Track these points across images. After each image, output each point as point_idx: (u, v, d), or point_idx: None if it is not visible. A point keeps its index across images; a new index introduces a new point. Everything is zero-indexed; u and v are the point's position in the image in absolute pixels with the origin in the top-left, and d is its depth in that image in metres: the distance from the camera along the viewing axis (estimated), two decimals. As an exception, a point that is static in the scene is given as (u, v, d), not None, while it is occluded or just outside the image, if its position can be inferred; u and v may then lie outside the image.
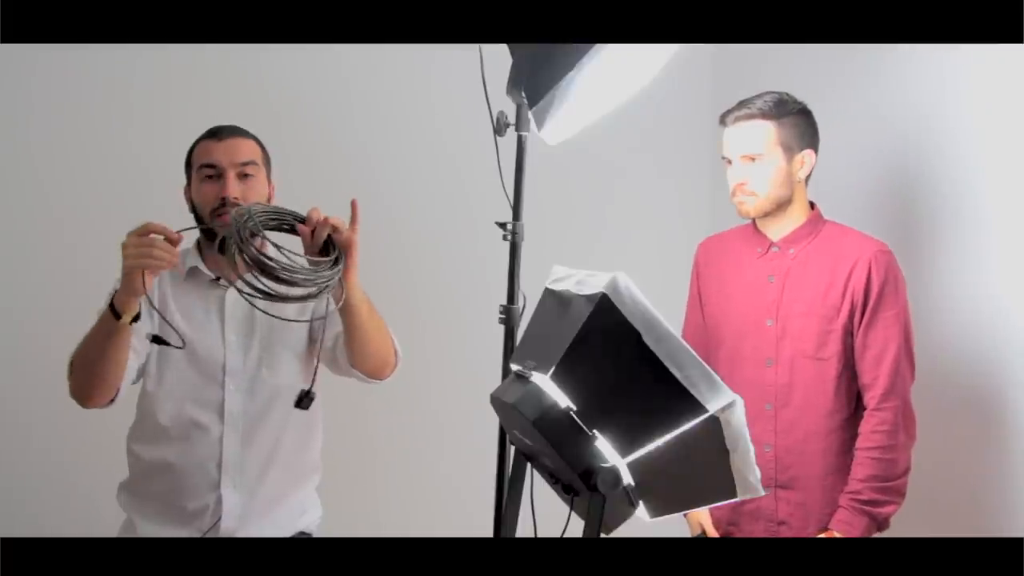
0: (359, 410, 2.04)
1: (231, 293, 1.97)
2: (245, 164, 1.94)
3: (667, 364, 1.39)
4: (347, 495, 2.36)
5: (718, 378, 1.39)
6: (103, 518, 2.06)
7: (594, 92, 1.89)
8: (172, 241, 1.72)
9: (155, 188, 2.46)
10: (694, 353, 1.41)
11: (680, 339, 1.41)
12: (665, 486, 1.48)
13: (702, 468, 1.45)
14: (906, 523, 2.11)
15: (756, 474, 1.43)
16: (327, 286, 1.71)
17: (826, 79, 2.69)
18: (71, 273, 2.53)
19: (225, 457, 1.93)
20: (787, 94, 2.17)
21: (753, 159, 2.13)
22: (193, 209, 1.99)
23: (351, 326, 1.86)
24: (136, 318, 1.77)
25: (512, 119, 1.88)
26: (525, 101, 1.85)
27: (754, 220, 2.24)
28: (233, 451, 1.93)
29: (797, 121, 2.15)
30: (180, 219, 2.02)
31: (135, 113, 2.63)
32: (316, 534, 2.07)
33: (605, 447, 1.42)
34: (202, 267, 1.98)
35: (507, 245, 1.90)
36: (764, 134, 2.13)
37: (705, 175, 3.28)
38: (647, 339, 1.40)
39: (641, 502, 1.47)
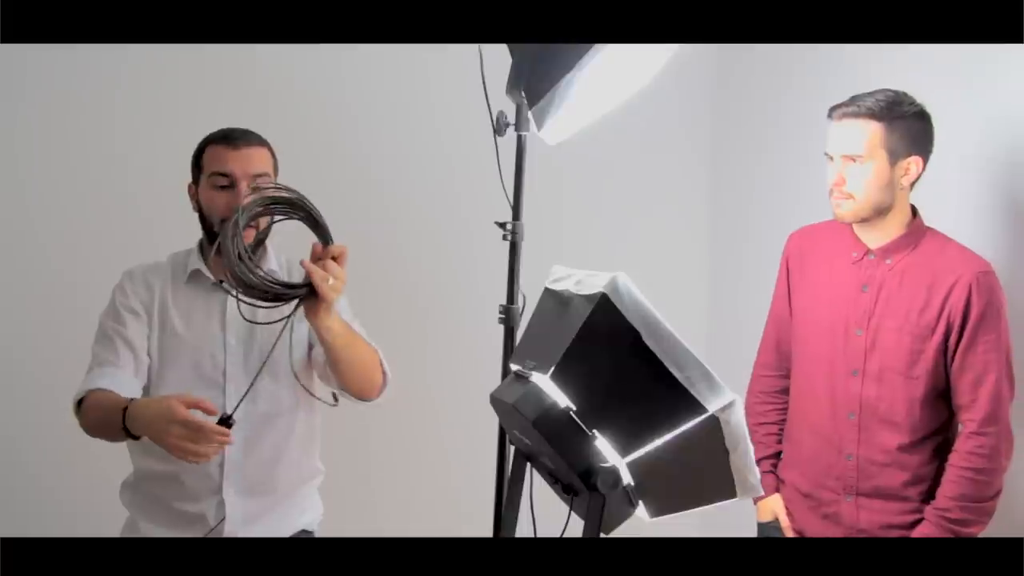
0: (359, 410, 2.04)
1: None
2: (259, 176, 1.90)
3: (667, 364, 1.39)
4: (347, 495, 2.36)
5: (718, 378, 1.39)
6: (104, 518, 2.06)
7: (594, 92, 1.88)
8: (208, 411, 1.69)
9: (156, 188, 2.47)
10: (694, 353, 1.40)
11: (680, 339, 1.41)
12: (665, 486, 1.48)
13: (702, 468, 1.44)
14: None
15: (756, 474, 1.42)
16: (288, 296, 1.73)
17: (828, 80, 2.69)
18: (71, 273, 2.54)
19: (227, 462, 1.92)
20: (905, 94, 2.03)
21: (853, 159, 2.04)
22: (199, 210, 1.96)
23: (327, 356, 1.86)
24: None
25: (512, 119, 1.88)
26: (525, 101, 1.85)
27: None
28: (235, 456, 1.92)
29: (909, 125, 2.02)
30: (179, 217, 2.04)
31: (135, 113, 2.62)
32: (317, 533, 2.07)
33: (605, 447, 1.42)
34: (204, 270, 1.97)
35: (507, 245, 1.90)
36: (868, 135, 2.02)
37: (705, 175, 3.28)
38: (647, 339, 1.40)
39: (641, 502, 1.47)
